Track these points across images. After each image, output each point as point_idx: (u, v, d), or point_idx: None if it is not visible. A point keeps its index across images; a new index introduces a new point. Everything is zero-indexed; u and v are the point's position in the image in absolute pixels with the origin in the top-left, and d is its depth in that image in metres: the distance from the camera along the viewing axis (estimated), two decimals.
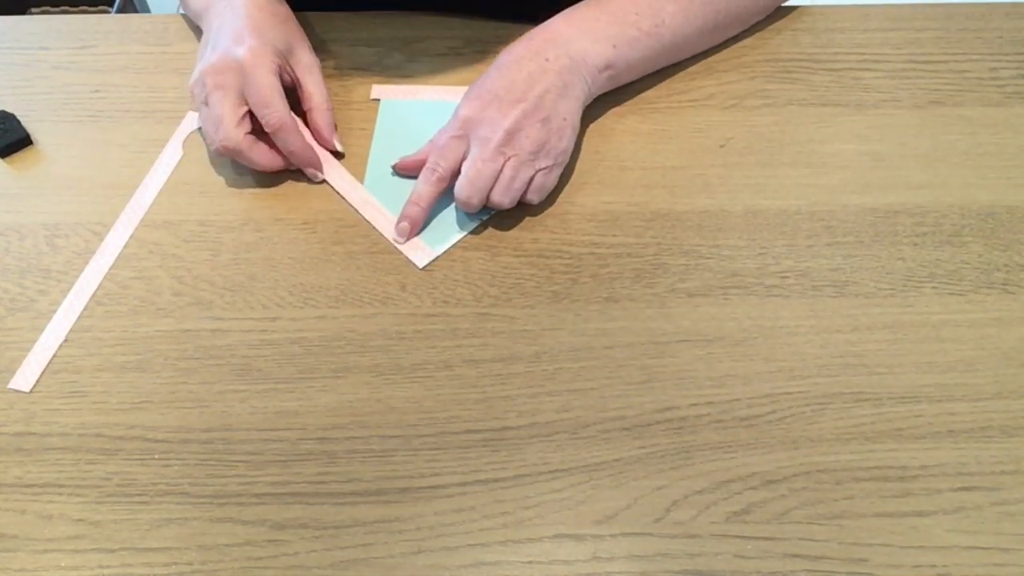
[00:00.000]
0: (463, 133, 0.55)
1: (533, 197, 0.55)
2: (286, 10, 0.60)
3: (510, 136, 0.53)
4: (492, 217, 0.57)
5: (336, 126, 0.60)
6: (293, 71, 0.58)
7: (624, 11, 0.59)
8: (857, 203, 0.57)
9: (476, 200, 0.54)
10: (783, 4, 0.68)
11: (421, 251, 0.55)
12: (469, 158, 0.54)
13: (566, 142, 0.55)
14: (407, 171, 0.58)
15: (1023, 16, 0.69)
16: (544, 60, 0.56)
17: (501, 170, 0.54)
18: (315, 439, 0.47)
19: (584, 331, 0.52)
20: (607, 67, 0.58)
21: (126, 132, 0.61)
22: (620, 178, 0.59)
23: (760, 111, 0.63)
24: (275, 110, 0.55)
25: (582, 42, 0.57)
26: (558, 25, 0.58)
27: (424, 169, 0.56)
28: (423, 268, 0.54)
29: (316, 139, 0.59)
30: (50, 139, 0.61)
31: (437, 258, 0.55)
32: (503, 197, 0.54)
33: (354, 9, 0.68)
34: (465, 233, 0.56)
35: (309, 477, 0.46)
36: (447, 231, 0.56)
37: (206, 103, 0.55)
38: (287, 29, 0.59)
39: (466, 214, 0.56)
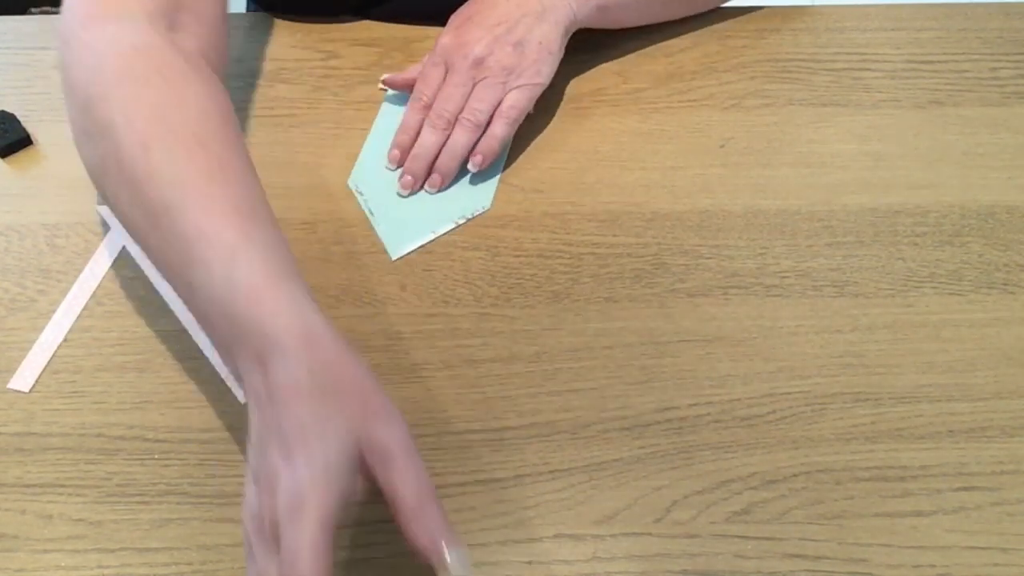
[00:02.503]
0: (441, 60, 0.56)
1: (501, 123, 0.55)
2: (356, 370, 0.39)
3: (480, 60, 0.55)
4: (492, 217, 0.56)
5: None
6: (373, 465, 0.37)
7: None
8: (857, 203, 0.58)
9: (447, 114, 0.55)
10: None
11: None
12: (444, 82, 0.56)
13: (543, 66, 0.56)
14: (396, 88, 0.60)
15: (1023, 16, 0.69)
16: None
17: (471, 93, 0.55)
18: None
19: (584, 331, 0.52)
20: None
21: None
22: (620, 178, 0.59)
23: (760, 111, 0.63)
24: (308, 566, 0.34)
25: None
26: None
27: (411, 100, 0.58)
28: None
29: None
30: (50, 139, 0.61)
31: (409, 252, 0.54)
32: (475, 107, 0.55)
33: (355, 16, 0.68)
34: (438, 234, 0.55)
35: None
36: (420, 228, 0.56)
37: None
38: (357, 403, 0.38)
39: (441, 213, 0.56)
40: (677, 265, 0.54)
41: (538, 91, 0.57)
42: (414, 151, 0.57)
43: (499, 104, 0.56)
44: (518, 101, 0.56)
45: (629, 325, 0.52)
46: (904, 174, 0.59)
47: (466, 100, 0.56)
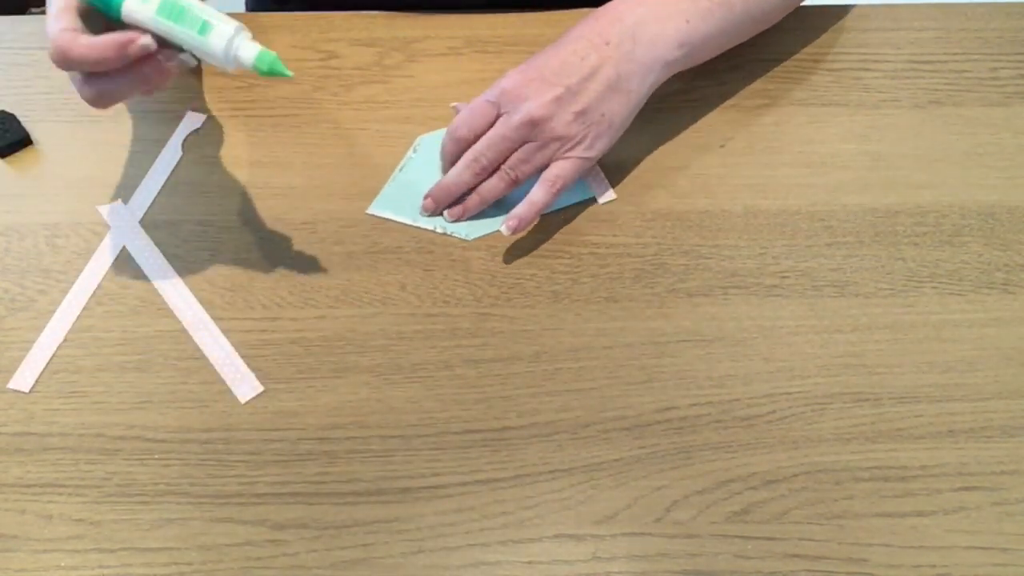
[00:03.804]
0: (496, 100, 0.53)
1: (543, 191, 0.53)
2: None
3: (536, 122, 0.52)
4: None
5: None
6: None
7: None
8: (857, 203, 0.58)
9: (486, 162, 0.53)
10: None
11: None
12: (494, 126, 0.53)
13: (600, 141, 0.53)
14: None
15: (1023, 16, 0.69)
16: (604, 44, 0.53)
17: (515, 150, 0.53)
18: (315, 439, 0.47)
19: (584, 331, 0.52)
20: (681, 45, 0.55)
21: (126, 132, 0.61)
22: (621, 178, 0.59)
23: (760, 111, 0.63)
24: (51, 43, 0.42)
25: (653, 24, 0.54)
26: (627, 4, 0.55)
27: (450, 127, 0.55)
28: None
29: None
30: (50, 139, 0.61)
31: (381, 217, 0.55)
32: (521, 166, 0.53)
33: (354, 9, 0.68)
34: (415, 226, 0.56)
35: (309, 477, 0.46)
36: (408, 210, 0.56)
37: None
38: None
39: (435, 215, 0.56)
40: (677, 265, 0.54)
41: (587, 165, 0.54)
42: (444, 181, 0.55)
43: (543, 167, 0.54)
44: (564, 172, 0.53)
45: (629, 325, 0.52)
46: (904, 174, 0.59)
47: (510, 153, 0.53)
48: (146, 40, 0.41)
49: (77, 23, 0.42)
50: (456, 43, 0.66)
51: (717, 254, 0.55)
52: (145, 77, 0.43)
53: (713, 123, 0.62)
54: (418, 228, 0.56)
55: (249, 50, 0.42)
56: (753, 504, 0.45)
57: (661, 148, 0.60)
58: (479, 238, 0.55)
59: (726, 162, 0.60)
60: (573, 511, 0.45)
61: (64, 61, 0.42)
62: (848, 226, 0.56)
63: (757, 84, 0.64)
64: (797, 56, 0.66)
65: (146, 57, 0.43)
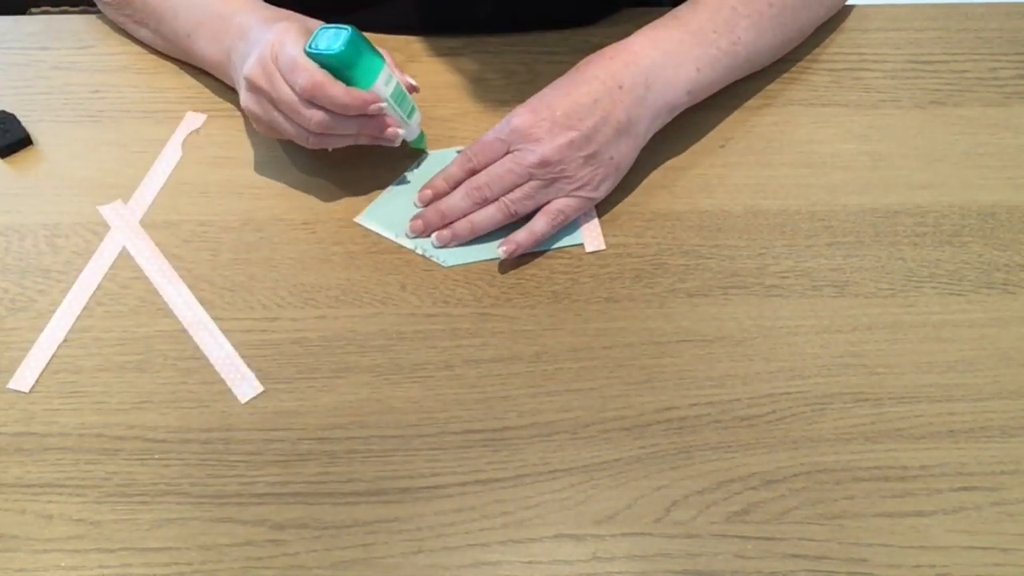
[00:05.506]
0: (507, 138, 0.54)
1: (545, 221, 0.53)
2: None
3: (546, 163, 0.52)
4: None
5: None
6: None
7: (704, 30, 0.56)
8: (857, 203, 0.58)
9: (488, 193, 0.53)
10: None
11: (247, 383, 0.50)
12: (501, 160, 0.54)
13: (606, 182, 0.54)
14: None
15: (1023, 16, 0.69)
16: (617, 88, 0.53)
17: (522, 185, 0.53)
18: (315, 439, 0.47)
19: (584, 331, 0.52)
20: (689, 92, 0.56)
21: (126, 132, 0.61)
22: (621, 178, 0.59)
23: (760, 111, 0.63)
24: (304, 71, 0.50)
25: (666, 69, 0.55)
26: (642, 47, 0.55)
27: (460, 156, 0.56)
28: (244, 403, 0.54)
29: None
30: (50, 139, 0.61)
31: (368, 230, 0.56)
32: (524, 200, 0.53)
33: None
34: (396, 242, 0.55)
35: (309, 477, 0.46)
36: (393, 226, 0.56)
37: (272, 96, 0.52)
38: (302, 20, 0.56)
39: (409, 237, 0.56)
40: (677, 265, 0.54)
41: (591, 204, 0.55)
42: (439, 204, 0.55)
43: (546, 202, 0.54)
44: (567, 208, 0.54)
45: (629, 325, 0.52)
46: (904, 174, 0.59)
47: (513, 188, 0.53)
48: (383, 104, 0.52)
49: None
50: (456, 43, 0.66)
51: (717, 254, 0.55)
52: (368, 127, 0.53)
53: (713, 123, 0.62)
54: (400, 245, 0.55)
55: (418, 130, 0.58)
56: (753, 504, 0.45)
57: (661, 148, 0.60)
58: (456, 266, 0.54)
59: (726, 162, 0.60)
60: (573, 511, 0.45)
61: (319, 92, 0.50)
62: (848, 226, 0.56)
63: (757, 84, 0.64)
64: (797, 56, 0.66)
65: (370, 117, 0.53)
